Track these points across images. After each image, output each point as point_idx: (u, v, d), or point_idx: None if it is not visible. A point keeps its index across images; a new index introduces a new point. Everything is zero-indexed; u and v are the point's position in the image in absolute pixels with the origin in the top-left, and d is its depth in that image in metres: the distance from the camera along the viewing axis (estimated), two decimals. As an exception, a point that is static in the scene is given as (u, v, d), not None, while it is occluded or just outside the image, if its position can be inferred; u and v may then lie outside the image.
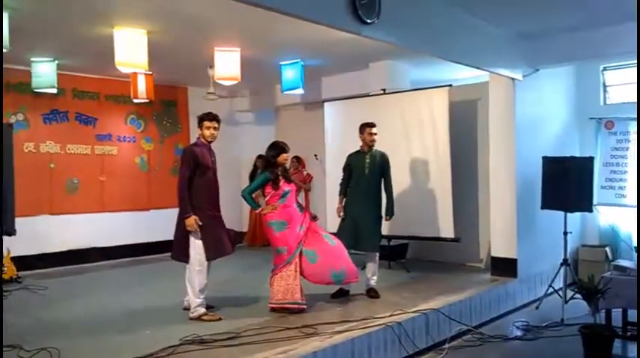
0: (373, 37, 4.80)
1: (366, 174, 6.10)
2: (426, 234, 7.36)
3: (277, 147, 5.70)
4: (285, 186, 5.56)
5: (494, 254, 6.95)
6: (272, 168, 5.61)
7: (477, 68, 6.39)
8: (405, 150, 7.52)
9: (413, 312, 5.13)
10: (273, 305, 5.30)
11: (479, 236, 7.28)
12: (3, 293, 6.38)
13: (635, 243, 6.74)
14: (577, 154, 7.29)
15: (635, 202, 6.83)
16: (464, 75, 7.89)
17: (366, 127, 6.19)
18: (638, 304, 5.06)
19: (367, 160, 6.15)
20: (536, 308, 6.61)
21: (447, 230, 7.13)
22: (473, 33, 6.01)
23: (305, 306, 5.28)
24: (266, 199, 5.63)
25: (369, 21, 4.61)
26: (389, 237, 7.53)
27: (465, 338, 5.47)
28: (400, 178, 7.52)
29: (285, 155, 5.65)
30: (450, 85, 7.35)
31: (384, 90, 7.93)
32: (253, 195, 5.79)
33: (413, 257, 7.90)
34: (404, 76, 8.20)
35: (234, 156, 10.76)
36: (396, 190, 7.48)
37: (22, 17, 5.37)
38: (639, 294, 5.05)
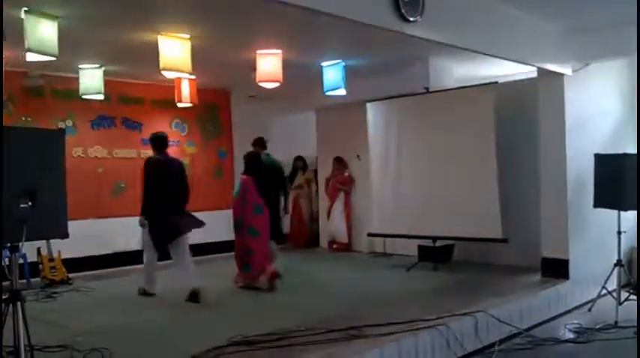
0: (417, 35, 4.74)
1: None
2: (473, 234, 7.21)
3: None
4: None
5: (544, 254, 6.76)
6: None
7: (524, 64, 6.25)
8: (449, 150, 7.40)
9: (461, 314, 5.03)
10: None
11: (529, 236, 7.08)
12: (53, 294, 6.60)
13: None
14: (631, 151, 7.01)
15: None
16: (511, 71, 7.70)
17: None
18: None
19: None
20: (589, 310, 6.39)
21: (494, 230, 6.97)
22: (519, 27, 5.86)
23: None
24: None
25: (412, 19, 4.55)
26: (434, 238, 7.42)
27: (515, 341, 5.33)
28: (445, 178, 7.42)
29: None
30: (497, 82, 7.20)
31: (427, 88, 7.82)
32: None
33: (459, 258, 7.75)
34: (448, 73, 8.07)
35: (276, 157, 10.79)
36: (441, 190, 7.43)
37: (70, 25, 5.50)
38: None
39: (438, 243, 7.50)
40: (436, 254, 7.51)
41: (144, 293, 6.44)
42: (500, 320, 5.25)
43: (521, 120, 7.30)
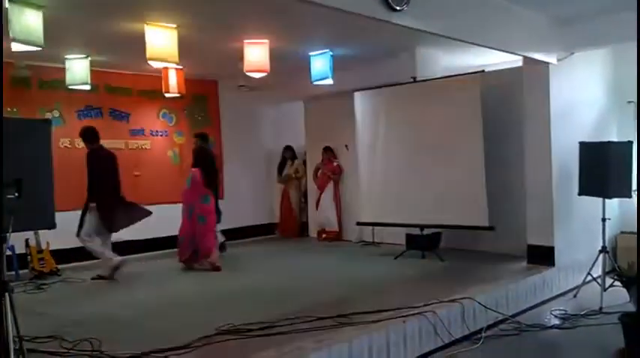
0: (403, 24, 4.75)
1: None
2: (460, 222, 7.29)
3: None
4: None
5: (530, 242, 6.84)
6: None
7: (510, 53, 6.27)
8: (437, 138, 7.45)
9: (448, 301, 5.09)
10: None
11: (515, 224, 7.16)
12: (42, 285, 6.59)
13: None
14: (615, 139, 7.10)
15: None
16: (497, 60, 7.72)
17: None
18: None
19: None
20: (574, 296, 6.50)
21: (481, 218, 7.04)
22: (505, 17, 5.89)
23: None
24: None
25: (398, 8, 4.56)
26: (422, 226, 7.48)
27: (501, 327, 5.41)
28: (432, 166, 7.47)
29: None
30: (483, 71, 7.24)
31: (414, 78, 7.85)
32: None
33: (447, 246, 7.82)
34: (435, 63, 8.09)
35: (265, 147, 10.82)
36: (429, 179, 7.49)
37: (55, 15, 5.45)
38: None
39: (426, 232, 7.56)
40: (424, 242, 7.57)
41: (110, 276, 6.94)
42: (486, 306, 5.32)
43: (508, 109, 7.37)
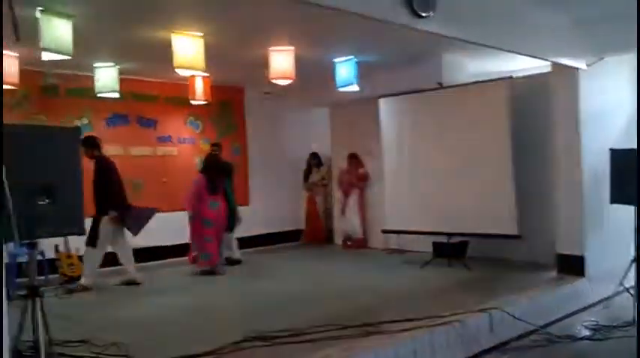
0: (429, 30, 4.72)
1: None
2: (487, 230, 7.18)
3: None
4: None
5: (560, 251, 6.71)
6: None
7: (538, 58, 6.19)
8: (463, 145, 7.37)
9: (476, 311, 5.01)
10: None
11: (544, 232, 7.04)
12: (71, 290, 6.66)
13: None
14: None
15: None
16: (525, 65, 7.64)
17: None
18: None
19: None
20: (606, 307, 6.33)
21: (509, 226, 6.93)
22: (532, 21, 5.81)
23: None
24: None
25: (424, 14, 4.53)
26: (448, 234, 7.40)
27: (531, 338, 5.28)
28: (459, 173, 7.39)
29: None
30: (511, 77, 7.15)
31: (440, 84, 7.79)
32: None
33: (474, 254, 7.71)
34: (461, 68, 8.03)
35: (290, 154, 10.83)
36: (456, 186, 7.41)
37: (85, 24, 5.54)
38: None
39: (453, 240, 7.47)
40: (451, 250, 7.48)
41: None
42: (515, 317, 5.21)
43: (536, 115, 7.26)
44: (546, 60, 6.27)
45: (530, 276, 6.59)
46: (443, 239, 7.52)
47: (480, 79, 7.55)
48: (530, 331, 5.34)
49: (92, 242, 6.83)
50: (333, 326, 4.57)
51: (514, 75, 7.37)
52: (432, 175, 7.72)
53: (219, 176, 7.94)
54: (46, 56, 5.42)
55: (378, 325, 4.62)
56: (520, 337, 5.21)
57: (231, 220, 8.26)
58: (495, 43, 5.51)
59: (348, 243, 9.86)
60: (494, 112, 7.11)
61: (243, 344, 4.25)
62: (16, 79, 6.45)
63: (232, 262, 8.32)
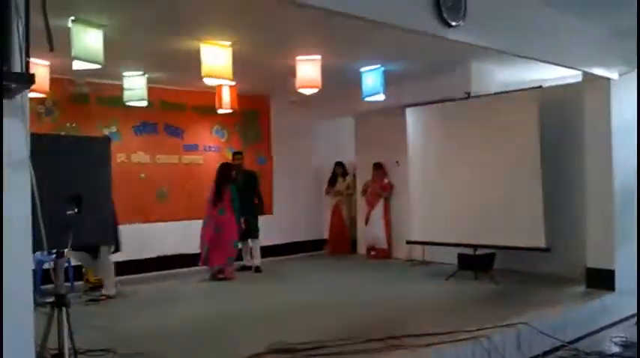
0: (459, 40, 4.67)
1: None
2: (515, 243, 7.05)
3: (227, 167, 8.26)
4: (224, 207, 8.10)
5: (590, 265, 6.56)
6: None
7: (570, 68, 6.08)
8: (491, 156, 7.27)
9: (503, 326, 4.91)
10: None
11: (573, 245, 6.89)
12: (96, 298, 6.72)
13: None
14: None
15: None
16: (556, 75, 7.52)
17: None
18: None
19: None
20: (636, 323, 6.16)
21: (536, 239, 6.80)
22: (564, 31, 5.72)
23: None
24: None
25: (454, 23, 4.48)
26: (474, 246, 7.29)
27: (558, 353, 5.16)
28: (486, 184, 7.29)
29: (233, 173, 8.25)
30: (541, 87, 7.03)
31: (468, 93, 7.70)
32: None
33: (501, 267, 7.58)
34: (490, 78, 7.93)
35: (315, 163, 10.82)
36: (483, 197, 7.31)
37: (115, 34, 5.62)
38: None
39: (479, 252, 7.36)
40: (477, 262, 7.37)
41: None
42: (543, 332, 5.10)
43: (567, 126, 7.13)
44: (578, 69, 6.16)
45: (558, 290, 6.45)
46: (469, 251, 7.42)
47: (510, 89, 7.45)
48: (558, 347, 5.22)
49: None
50: (355, 339, 4.52)
51: (544, 84, 7.25)
52: (458, 186, 7.63)
53: (225, 184, 8.07)
54: (76, 65, 5.50)
55: (401, 338, 4.55)
56: (547, 353, 5.09)
57: (252, 228, 8.55)
58: (526, 53, 5.43)
59: (372, 253, 9.79)
60: (524, 123, 7.00)
61: (265, 356, 4.22)
62: (46, 87, 6.56)
63: (245, 268, 8.62)
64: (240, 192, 8.31)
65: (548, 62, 5.69)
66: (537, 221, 6.82)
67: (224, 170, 8.21)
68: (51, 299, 3.11)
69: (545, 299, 6.00)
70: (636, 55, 4.78)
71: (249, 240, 8.72)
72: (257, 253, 8.69)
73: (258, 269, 8.56)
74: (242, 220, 8.27)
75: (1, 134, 2.08)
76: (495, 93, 7.54)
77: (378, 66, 7.56)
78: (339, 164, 10.61)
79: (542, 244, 6.80)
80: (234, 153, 9.08)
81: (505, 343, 4.77)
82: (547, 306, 5.70)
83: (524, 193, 6.98)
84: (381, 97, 7.75)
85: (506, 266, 7.64)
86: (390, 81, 7.70)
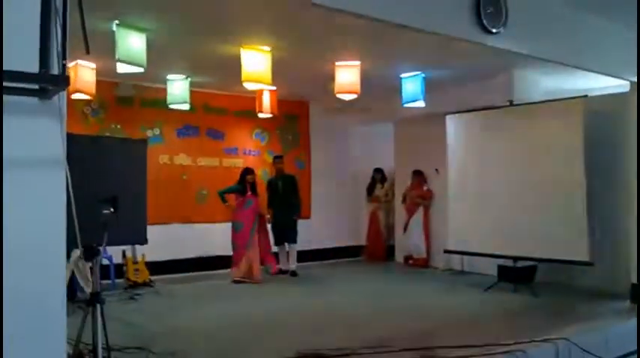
0: (499, 46, 4.60)
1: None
2: (557, 256, 6.85)
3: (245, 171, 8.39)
4: (250, 198, 8.18)
5: (635, 280, 6.31)
6: (242, 183, 8.24)
7: (615, 77, 5.89)
8: (534, 165, 7.10)
9: (541, 341, 4.77)
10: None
11: (617, 259, 6.65)
12: (135, 295, 6.86)
13: None
14: None
15: None
16: (602, 84, 7.28)
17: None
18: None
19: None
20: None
21: (580, 252, 6.59)
22: (608, 39, 5.56)
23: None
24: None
25: (494, 30, 4.43)
26: (515, 258, 7.12)
27: (599, 372, 4.99)
28: (528, 195, 7.12)
29: (248, 176, 8.25)
30: (586, 96, 6.83)
31: (510, 101, 7.54)
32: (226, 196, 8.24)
33: (542, 280, 7.37)
34: (533, 86, 7.74)
35: (353, 168, 10.79)
36: (524, 208, 7.13)
37: (158, 38, 5.75)
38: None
39: (519, 263, 7.18)
40: (517, 274, 7.18)
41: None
42: (583, 348, 4.92)
43: (612, 137, 6.90)
44: (624, 79, 5.96)
45: (601, 305, 6.23)
46: (509, 262, 7.24)
47: (554, 98, 7.26)
48: (600, 365, 5.04)
49: None
50: (388, 348, 4.46)
51: (590, 94, 7.04)
52: (499, 195, 7.46)
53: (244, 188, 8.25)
54: (120, 68, 5.65)
55: (434, 350, 4.48)
56: (588, 371, 4.92)
57: (290, 232, 8.67)
58: (569, 60, 5.32)
59: (410, 262, 9.68)
60: (567, 132, 6.81)
61: (296, 360, 4.22)
62: (92, 88, 6.75)
63: (282, 272, 8.70)
64: (279, 195, 8.62)
65: (593, 71, 5.53)
66: (581, 233, 6.61)
67: (244, 174, 8.34)
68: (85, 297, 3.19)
69: (587, 315, 5.81)
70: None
71: (286, 244, 8.76)
72: (294, 257, 8.72)
73: (294, 273, 8.59)
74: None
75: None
76: (539, 102, 7.36)
77: (419, 72, 7.50)
78: (377, 170, 10.56)
79: (585, 257, 6.59)
80: (275, 157, 9.15)
81: (542, 358, 4.63)
82: (588, 322, 5.51)
83: (567, 204, 6.78)
84: (421, 104, 7.68)
85: (547, 278, 7.43)
86: (430, 87, 7.63)
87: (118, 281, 7.43)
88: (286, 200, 8.68)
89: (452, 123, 8.22)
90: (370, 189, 10.62)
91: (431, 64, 7.16)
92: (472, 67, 7.21)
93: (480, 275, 8.24)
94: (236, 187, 8.25)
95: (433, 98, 7.85)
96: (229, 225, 8.33)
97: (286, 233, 8.70)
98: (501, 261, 7.40)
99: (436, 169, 9.26)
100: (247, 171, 8.32)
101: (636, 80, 5.44)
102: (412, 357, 4.33)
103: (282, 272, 8.69)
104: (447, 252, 8.33)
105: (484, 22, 4.35)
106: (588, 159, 6.67)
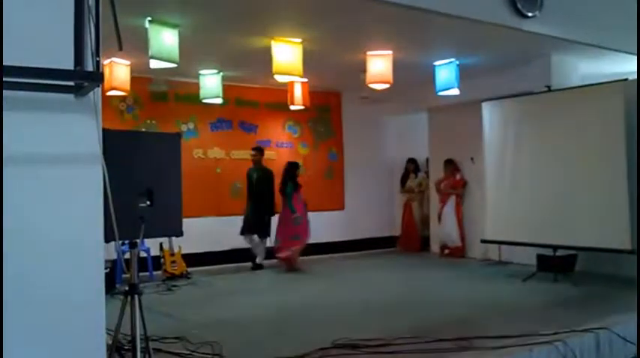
0: (535, 31, 4.51)
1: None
2: (597, 244, 6.68)
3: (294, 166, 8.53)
4: (300, 192, 8.43)
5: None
6: (294, 178, 8.34)
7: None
8: (573, 152, 6.92)
9: (581, 331, 4.66)
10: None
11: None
12: (173, 287, 6.98)
13: None
14: None
15: None
16: (643, 67, 7.06)
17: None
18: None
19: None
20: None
21: (622, 240, 6.41)
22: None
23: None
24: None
25: (530, 14, 4.35)
26: (554, 247, 6.98)
27: (642, 362, 4.86)
28: (567, 182, 6.96)
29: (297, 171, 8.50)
30: (626, 79, 6.61)
31: (548, 87, 7.37)
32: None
33: (583, 269, 7.22)
34: (571, 71, 7.56)
35: (386, 159, 10.73)
36: (563, 195, 6.97)
37: (190, 33, 5.81)
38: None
39: (559, 253, 7.03)
40: (556, 264, 7.04)
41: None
42: (626, 338, 4.80)
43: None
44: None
45: (644, 295, 6.06)
46: (548, 251, 7.10)
47: (593, 82, 7.06)
48: (642, 355, 4.91)
49: None
50: (424, 338, 4.43)
51: (630, 77, 6.81)
52: (537, 183, 7.31)
53: (289, 181, 8.36)
54: (153, 64, 5.73)
55: (472, 340, 4.42)
56: (631, 361, 4.80)
57: (262, 227, 8.46)
58: (607, 44, 5.19)
59: (446, 252, 9.59)
60: (608, 117, 6.62)
61: (331, 350, 4.22)
62: (127, 85, 6.87)
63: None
64: (253, 188, 8.49)
65: (632, 53, 5.34)
66: (622, 221, 6.43)
67: (289, 168, 8.47)
68: (125, 288, 3.25)
69: (629, 304, 5.63)
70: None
71: (257, 237, 8.53)
72: (262, 251, 8.53)
73: (259, 266, 8.46)
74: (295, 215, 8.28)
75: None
76: (577, 87, 7.17)
77: (452, 59, 7.39)
78: (411, 160, 10.48)
79: (627, 246, 6.41)
80: (253, 149, 8.71)
81: (583, 349, 4.52)
82: (630, 312, 5.35)
83: (608, 191, 6.60)
84: (455, 92, 7.58)
85: (588, 268, 7.27)
86: (464, 75, 7.51)
87: (156, 273, 7.57)
88: (260, 195, 8.45)
89: (488, 110, 8.07)
90: (404, 180, 10.55)
91: (465, 51, 7.05)
92: (507, 53, 7.07)
93: (518, 265, 8.11)
94: (293, 185, 8.33)
95: (468, 86, 7.73)
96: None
97: (257, 228, 8.43)
98: (541, 251, 7.27)
99: (472, 158, 9.14)
100: (296, 166, 8.50)
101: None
102: (448, 347, 4.28)
103: (256, 266, 8.50)
104: (484, 241, 8.22)
105: (519, 5, 4.29)
106: (630, 145, 6.47)
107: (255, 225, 8.37)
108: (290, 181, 8.31)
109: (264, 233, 8.48)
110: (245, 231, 8.36)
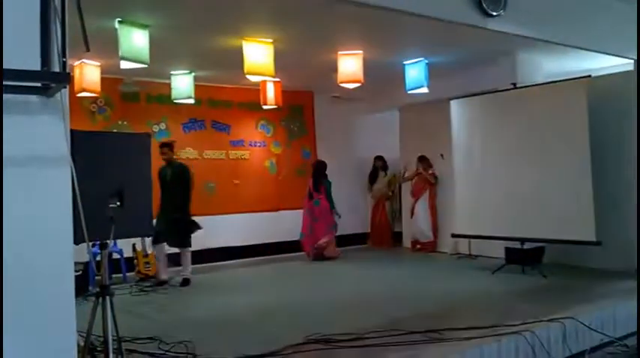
0: (500, 29, 4.61)
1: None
2: (564, 236, 6.87)
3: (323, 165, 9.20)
4: None
5: (642, 260, 6.31)
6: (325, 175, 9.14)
7: (619, 56, 5.87)
8: (538, 147, 7.10)
9: (548, 320, 4.80)
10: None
11: (624, 239, 6.65)
12: (146, 288, 6.93)
13: None
14: None
15: None
16: (605, 64, 7.26)
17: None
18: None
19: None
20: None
21: (587, 232, 6.60)
22: (611, 17, 5.54)
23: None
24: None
25: (494, 13, 4.44)
26: (522, 240, 7.14)
27: (607, 350, 5.00)
28: (533, 177, 7.13)
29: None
30: (589, 76, 6.81)
31: (514, 84, 7.54)
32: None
33: (550, 261, 7.40)
34: (536, 68, 7.73)
35: (358, 157, 10.80)
36: (530, 190, 7.14)
37: (160, 34, 5.79)
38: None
39: (527, 246, 7.20)
40: (524, 256, 7.20)
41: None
42: (590, 327, 4.96)
43: (616, 116, 6.89)
44: (627, 58, 5.94)
45: (608, 285, 6.24)
46: (516, 245, 7.27)
47: (557, 79, 7.24)
48: (606, 343, 5.06)
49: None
50: (396, 332, 4.51)
51: (593, 74, 7.01)
52: (505, 178, 7.47)
53: (321, 179, 9.04)
54: (124, 65, 5.71)
55: (442, 332, 4.52)
56: (596, 349, 4.95)
57: (179, 234, 7.27)
58: (572, 42, 5.32)
59: (417, 246, 9.71)
60: (572, 113, 6.80)
61: (304, 346, 4.27)
62: (97, 86, 6.82)
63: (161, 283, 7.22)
64: (167, 188, 7.20)
65: (595, 51, 5.51)
66: (587, 214, 6.62)
67: (320, 167, 9.08)
68: (96, 290, 3.25)
69: (594, 294, 5.83)
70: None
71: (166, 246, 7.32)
72: (187, 263, 7.35)
73: (185, 282, 7.23)
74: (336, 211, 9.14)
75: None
76: (542, 84, 7.35)
77: (421, 59, 7.49)
78: (379, 158, 10.54)
79: (592, 238, 6.60)
80: (160, 145, 7.40)
81: (550, 338, 4.66)
82: (595, 301, 5.53)
83: (573, 185, 6.79)
84: (424, 90, 7.68)
85: (555, 260, 7.45)
86: (433, 73, 7.62)
87: (129, 274, 7.52)
88: (174, 196, 7.20)
89: (456, 107, 8.22)
90: (372, 177, 10.59)
91: (433, 50, 7.17)
92: (475, 51, 7.21)
93: (487, 258, 8.27)
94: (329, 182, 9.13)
95: (437, 84, 7.85)
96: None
97: (173, 235, 7.21)
98: (509, 244, 7.43)
99: (441, 154, 9.28)
100: (325, 165, 9.19)
101: (636, 58, 5.40)
102: (420, 339, 4.37)
103: (160, 283, 7.17)
104: (454, 236, 8.36)
105: (483, 5, 4.36)
106: (594, 138, 6.66)
107: (170, 232, 7.14)
108: (325, 178, 9.04)
109: (184, 242, 7.34)
110: (158, 239, 7.07)
